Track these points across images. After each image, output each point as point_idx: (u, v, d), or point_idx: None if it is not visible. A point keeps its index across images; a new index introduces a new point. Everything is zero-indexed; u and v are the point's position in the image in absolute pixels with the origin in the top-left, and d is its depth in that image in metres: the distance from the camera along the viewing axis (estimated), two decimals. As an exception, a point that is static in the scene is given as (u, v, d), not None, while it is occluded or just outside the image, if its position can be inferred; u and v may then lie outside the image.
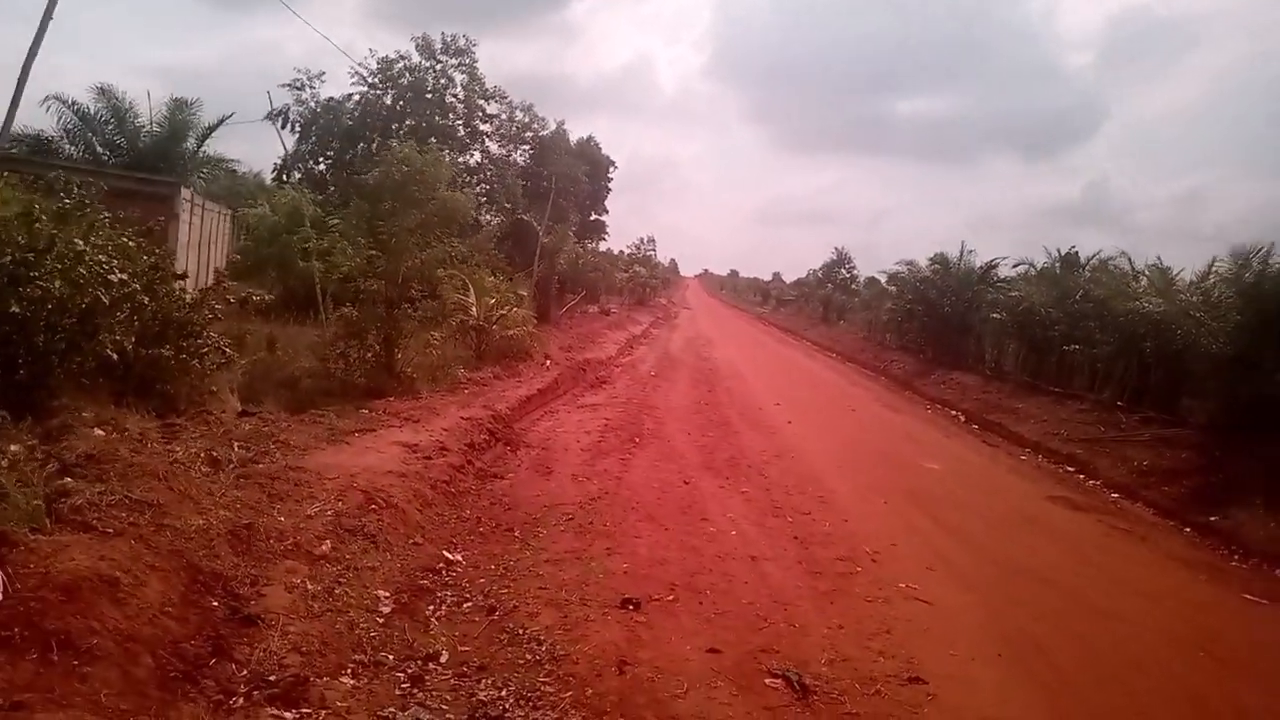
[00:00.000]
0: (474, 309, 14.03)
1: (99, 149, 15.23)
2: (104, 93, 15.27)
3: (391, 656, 3.91)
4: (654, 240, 54.02)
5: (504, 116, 27.77)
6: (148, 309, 6.46)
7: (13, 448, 4.27)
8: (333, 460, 6.32)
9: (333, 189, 22.81)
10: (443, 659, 4.01)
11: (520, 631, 4.38)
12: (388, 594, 4.57)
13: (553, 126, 31.28)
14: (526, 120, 28.90)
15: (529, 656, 4.10)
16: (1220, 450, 9.31)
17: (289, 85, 24.45)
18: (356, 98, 25.22)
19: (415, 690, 3.69)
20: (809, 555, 6.13)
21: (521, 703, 3.65)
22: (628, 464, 8.67)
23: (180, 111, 15.76)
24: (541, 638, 4.30)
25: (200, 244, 12.83)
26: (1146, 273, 14.62)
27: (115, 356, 5.83)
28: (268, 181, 25.10)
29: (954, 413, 15.27)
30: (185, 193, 11.53)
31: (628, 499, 7.29)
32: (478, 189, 25.48)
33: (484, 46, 25.51)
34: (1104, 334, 13.55)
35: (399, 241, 10.39)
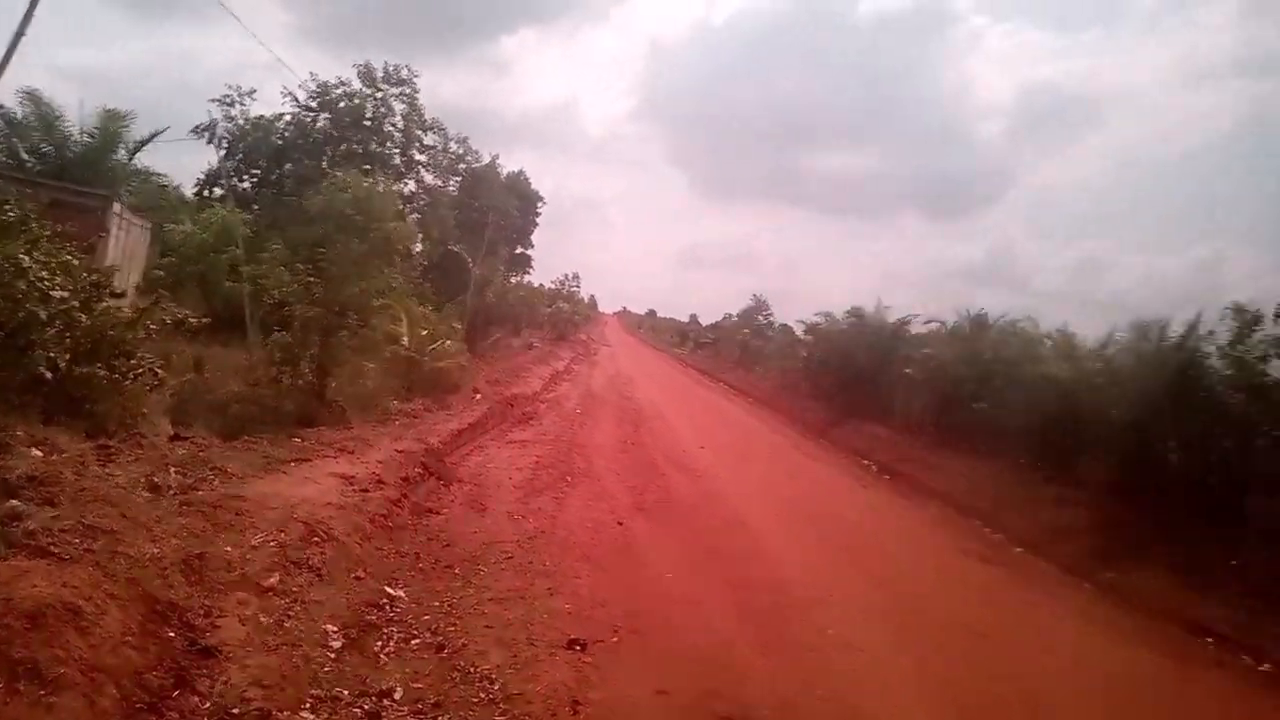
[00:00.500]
0: (406, 339, 13.94)
1: (24, 155, 14.47)
2: (31, 97, 14.60)
3: (347, 692, 3.92)
4: (579, 276, 54.36)
5: (439, 147, 27.81)
6: (82, 326, 6.28)
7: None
8: (271, 489, 6.21)
9: (257, 207, 22.23)
10: (397, 695, 4.03)
11: (471, 670, 4.44)
12: (336, 629, 4.56)
13: (486, 159, 31.51)
14: (460, 152, 29.01)
15: (483, 695, 4.16)
16: (1119, 510, 9.65)
17: (219, 100, 23.82)
18: (288, 117, 24.78)
19: (373, 726, 3.71)
20: (745, 600, 6.33)
21: (480, 740, 3.73)
22: (561, 503, 8.74)
23: (113, 122, 15.16)
24: (493, 676, 4.37)
25: (122, 259, 12.35)
26: (1052, 338, 15.21)
27: (49, 374, 5.65)
28: (188, 196, 24.24)
29: (867, 462, 15.76)
30: (116, 206, 11.13)
31: (565, 539, 7.39)
32: (411, 218, 25.30)
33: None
34: (1010, 393, 14.03)
35: (340, 269, 10.33)
